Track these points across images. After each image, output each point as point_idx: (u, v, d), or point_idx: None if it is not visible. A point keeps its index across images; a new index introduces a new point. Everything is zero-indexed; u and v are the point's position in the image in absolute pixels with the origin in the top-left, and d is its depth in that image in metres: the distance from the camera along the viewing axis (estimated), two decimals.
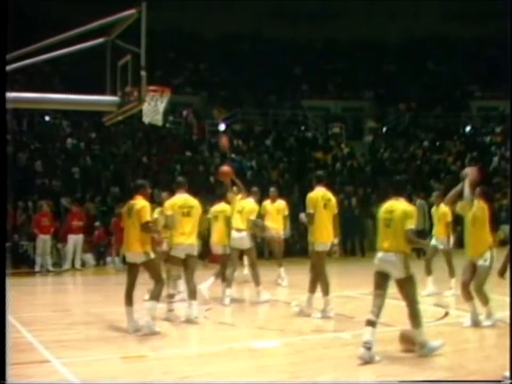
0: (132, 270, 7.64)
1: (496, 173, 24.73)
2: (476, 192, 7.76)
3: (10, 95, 5.54)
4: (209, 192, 19.78)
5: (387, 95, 30.04)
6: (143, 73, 6.58)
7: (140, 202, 7.67)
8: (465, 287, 7.77)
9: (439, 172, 24.84)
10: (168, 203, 8.48)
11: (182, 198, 8.40)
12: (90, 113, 18.43)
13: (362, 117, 29.32)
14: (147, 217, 7.59)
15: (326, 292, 8.53)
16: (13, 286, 10.31)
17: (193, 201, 8.45)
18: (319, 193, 8.49)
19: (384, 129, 28.38)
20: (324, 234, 8.44)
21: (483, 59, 30.40)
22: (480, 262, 7.64)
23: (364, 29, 30.01)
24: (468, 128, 28.59)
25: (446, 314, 8.66)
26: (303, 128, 27.23)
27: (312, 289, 8.60)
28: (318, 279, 8.53)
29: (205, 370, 5.93)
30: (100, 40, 7.13)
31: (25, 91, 7.26)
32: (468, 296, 7.80)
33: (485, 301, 7.71)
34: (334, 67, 31.32)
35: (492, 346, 6.58)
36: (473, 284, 7.71)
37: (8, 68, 5.66)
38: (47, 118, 23.01)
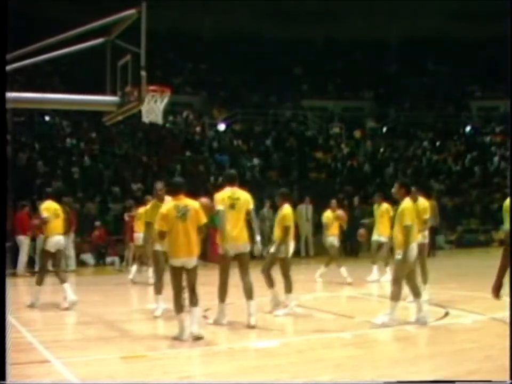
0: (180, 274, 7.10)
1: (496, 173, 24.76)
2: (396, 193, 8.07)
3: (10, 95, 5.54)
4: (209, 192, 19.86)
5: (387, 95, 30.05)
6: (143, 73, 6.59)
7: (192, 203, 7.21)
8: (410, 283, 8.01)
9: (439, 172, 24.87)
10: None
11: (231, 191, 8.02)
12: (90, 113, 18.44)
13: (362, 117, 29.31)
14: (205, 218, 7.21)
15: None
16: (13, 286, 10.34)
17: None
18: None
19: (384, 129, 28.39)
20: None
21: (483, 59, 30.41)
22: (396, 256, 7.81)
23: (364, 29, 30.01)
24: (468, 128, 28.60)
25: (446, 314, 8.66)
26: (303, 128, 27.23)
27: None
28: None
29: (205, 370, 5.93)
30: (100, 40, 7.14)
31: (25, 91, 7.27)
32: (414, 291, 8.02)
33: (395, 296, 7.79)
34: (334, 67, 31.33)
35: (492, 346, 6.57)
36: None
37: (8, 68, 5.67)
38: (47, 118, 23.02)
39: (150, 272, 12.10)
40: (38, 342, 7.04)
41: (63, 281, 9.76)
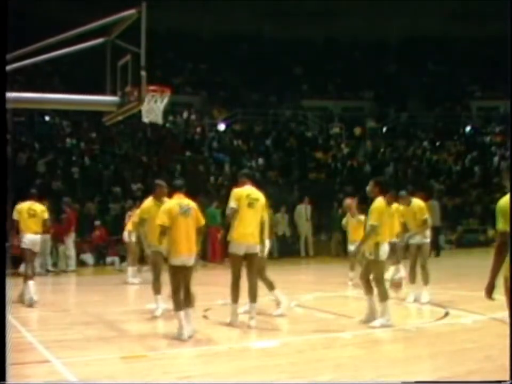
0: (180, 273, 7.15)
1: (496, 173, 24.75)
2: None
3: (10, 95, 5.54)
4: (209, 192, 19.86)
5: (387, 95, 30.05)
6: (143, 73, 6.59)
7: (192, 203, 7.30)
8: (362, 281, 8.05)
9: (439, 172, 24.87)
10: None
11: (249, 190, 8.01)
12: (90, 113, 18.44)
13: (362, 117, 29.32)
14: (203, 220, 7.39)
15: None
16: (13, 286, 10.34)
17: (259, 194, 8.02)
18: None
19: (384, 129, 28.39)
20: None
21: (483, 59, 30.41)
22: (367, 256, 7.89)
23: (364, 29, 30.01)
24: (468, 128, 28.59)
25: (446, 314, 8.66)
26: (303, 128, 27.24)
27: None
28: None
29: (205, 370, 5.93)
30: (100, 40, 7.14)
31: (25, 91, 7.27)
32: (366, 289, 7.98)
33: (382, 296, 7.82)
34: (334, 67, 31.33)
35: (491, 346, 6.57)
36: (372, 278, 7.96)
37: (8, 68, 5.66)
38: (47, 118, 23.02)
39: (130, 271, 12.76)
40: (38, 342, 7.04)
41: (29, 278, 10.01)
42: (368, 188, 8.11)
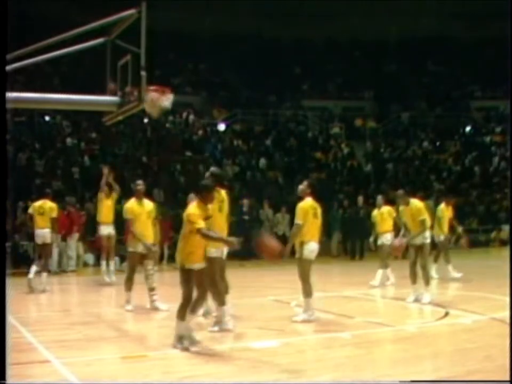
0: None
1: (496, 173, 24.77)
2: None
3: (10, 95, 5.53)
4: None
5: (387, 95, 30.07)
6: (143, 73, 6.58)
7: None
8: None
9: (439, 172, 24.88)
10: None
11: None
12: (90, 113, 18.42)
13: (362, 117, 29.32)
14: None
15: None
16: (13, 286, 10.35)
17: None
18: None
19: (384, 129, 28.40)
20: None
21: (483, 59, 30.43)
22: (296, 255, 8.21)
23: (363, 29, 30.02)
24: (468, 128, 28.62)
25: (446, 314, 8.66)
26: (303, 128, 27.25)
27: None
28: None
29: (205, 370, 5.93)
30: (100, 40, 7.13)
31: (25, 91, 7.26)
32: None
33: (307, 293, 8.17)
34: (334, 67, 31.35)
35: (491, 346, 6.58)
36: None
37: (8, 68, 5.66)
38: (47, 118, 23.01)
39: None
40: (38, 342, 7.03)
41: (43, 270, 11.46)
42: (301, 187, 8.32)
